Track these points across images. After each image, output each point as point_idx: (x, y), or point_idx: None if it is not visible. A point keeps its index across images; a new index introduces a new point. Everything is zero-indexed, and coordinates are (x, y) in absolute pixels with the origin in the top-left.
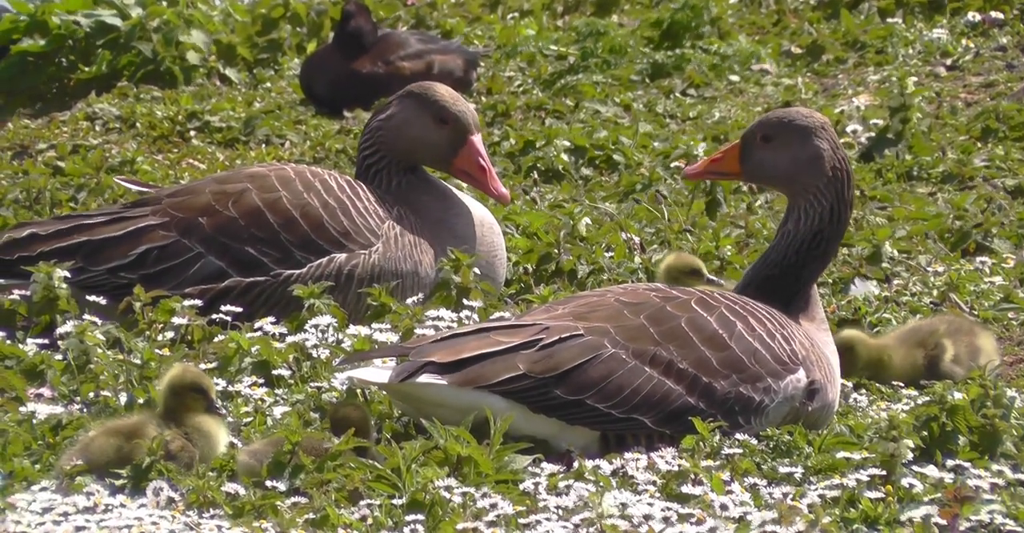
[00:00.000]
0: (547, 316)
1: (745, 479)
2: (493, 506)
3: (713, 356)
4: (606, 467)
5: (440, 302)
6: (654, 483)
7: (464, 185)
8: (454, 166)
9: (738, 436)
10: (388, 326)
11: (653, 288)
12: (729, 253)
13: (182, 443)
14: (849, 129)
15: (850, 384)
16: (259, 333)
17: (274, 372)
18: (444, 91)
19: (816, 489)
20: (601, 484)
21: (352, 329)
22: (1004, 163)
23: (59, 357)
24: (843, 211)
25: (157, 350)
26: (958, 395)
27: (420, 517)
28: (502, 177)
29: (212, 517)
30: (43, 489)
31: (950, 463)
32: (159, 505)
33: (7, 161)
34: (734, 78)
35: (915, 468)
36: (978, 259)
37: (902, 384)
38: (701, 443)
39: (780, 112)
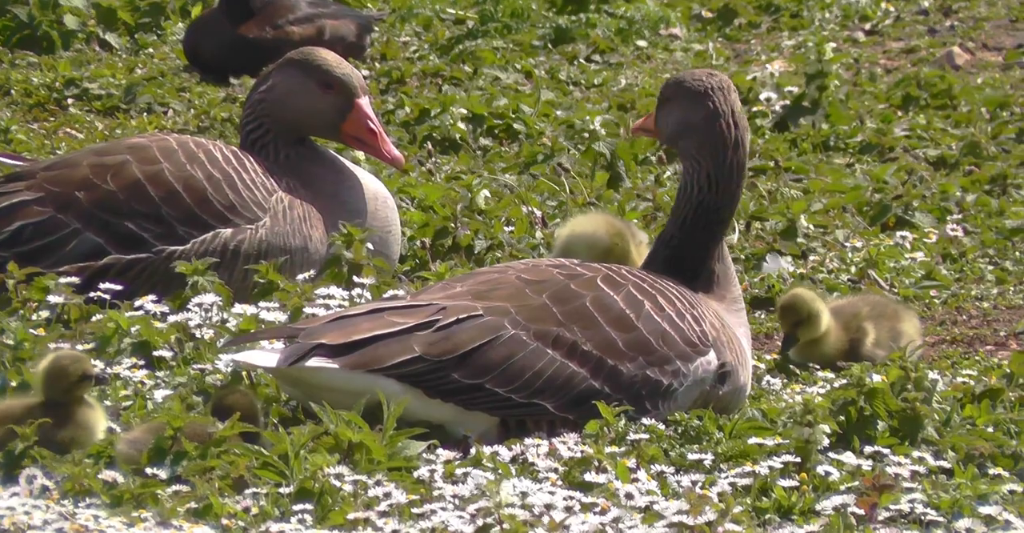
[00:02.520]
0: (444, 295)
1: (652, 466)
2: (386, 495)
3: (619, 337)
4: (505, 454)
5: (331, 279)
6: (556, 470)
7: (361, 157)
8: (343, 132)
9: (645, 421)
10: (276, 305)
11: (557, 264)
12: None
13: (59, 430)
14: (763, 97)
15: (763, 366)
16: (140, 312)
17: (155, 353)
18: (326, 55)
19: (727, 477)
20: (500, 472)
21: (238, 308)
22: (926, 133)
23: None
24: (722, 180)
25: (31, 330)
26: (877, 378)
27: (309, 506)
28: (397, 147)
29: (88, 506)
30: None
31: (868, 449)
32: (32, 494)
33: None
34: (642, 43)
35: (831, 455)
36: (898, 234)
37: (818, 366)
38: (606, 428)
39: (683, 73)
